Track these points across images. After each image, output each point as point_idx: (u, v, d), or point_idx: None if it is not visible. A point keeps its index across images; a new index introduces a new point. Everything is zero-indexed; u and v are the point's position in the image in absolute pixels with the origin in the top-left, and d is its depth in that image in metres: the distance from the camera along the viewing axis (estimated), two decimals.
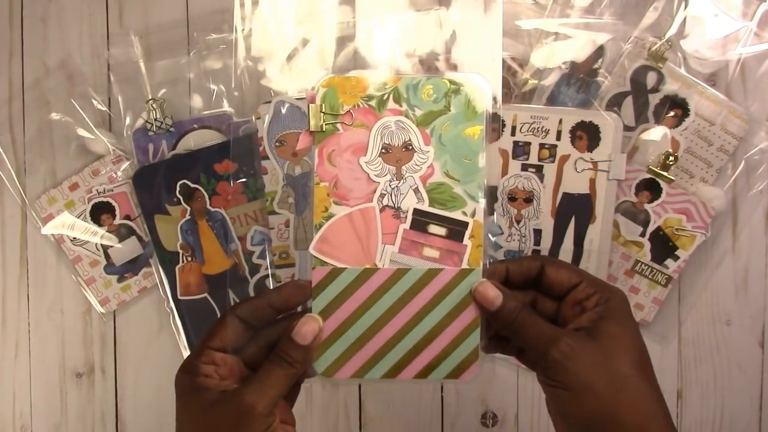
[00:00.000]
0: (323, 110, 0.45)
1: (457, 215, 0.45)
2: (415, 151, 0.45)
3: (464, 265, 0.45)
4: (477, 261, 0.45)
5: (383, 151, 0.45)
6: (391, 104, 0.45)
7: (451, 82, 0.46)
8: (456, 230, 0.45)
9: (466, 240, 0.45)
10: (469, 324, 0.44)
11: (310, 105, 0.45)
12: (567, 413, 0.40)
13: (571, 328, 0.41)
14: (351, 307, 0.44)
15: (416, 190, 0.45)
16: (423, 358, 0.45)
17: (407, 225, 0.45)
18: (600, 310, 0.41)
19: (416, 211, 0.45)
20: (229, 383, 0.41)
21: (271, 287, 0.59)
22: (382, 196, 0.45)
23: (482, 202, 0.45)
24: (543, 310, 0.44)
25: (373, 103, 0.45)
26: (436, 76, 0.46)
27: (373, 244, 0.45)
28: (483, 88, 0.45)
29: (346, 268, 0.45)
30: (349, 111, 0.45)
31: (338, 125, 0.45)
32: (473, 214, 0.45)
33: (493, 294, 0.42)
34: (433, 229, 0.45)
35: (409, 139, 0.45)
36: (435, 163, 0.45)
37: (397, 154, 0.45)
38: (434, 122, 0.45)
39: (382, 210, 0.45)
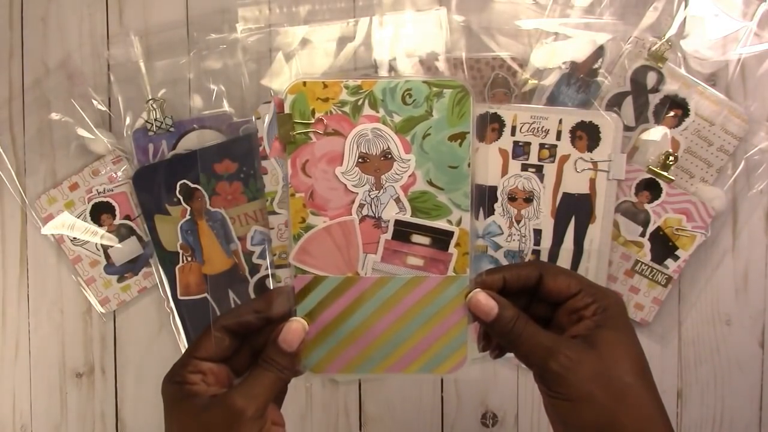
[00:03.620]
0: (293, 119, 0.43)
1: (441, 224, 0.43)
2: (395, 160, 0.43)
3: (450, 273, 0.43)
4: (464, 268, 0.43)
5: (360, 160, 0.43)
6: (366, 110, 0.43)
7: (433, 84, 0.43)
8: (440, 239, 0.43)
9: (451, 249, 0.43)
10: (454, 326, 0.44)
11: (279, 114, 0.43)
12: (568, 423, 0.40)
13: (568, 335, 0.41)
14: (335, 313, 0.44)
15: (397, 200, 0.43)
16: (409, 356, 0.44)
17: (389, 235, 0.43)
18: (598, 318, 0.41)
19: (398, 222, 0.43)
20: (216, 389, 0.41)
21: (272, 287, 0.59)
22: (361, 206, 0.43)
23: (469, 210, 0.43)
24: (537, 314, 0.43)
25: (347, 109, 0.43)
26: (416, 78, 0.43)
27: (354, 254, 0.44)
28: (468, 91, 0.43)
29: (327, 276, 0.44)
30: (320, 119, 0.43)
31: (310, 134, 0.43)
32: (459, 223, 0.43)
33: (488, 304, 0.42)
34: (417, 238, 0.44)
35: (388, 148, 0.43)
36: (417, 171, 0.43)
37: (376, 164, 0.43)
38: (415, 129, 0.43)
39: (362, 220, 0.43)
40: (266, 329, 0.43)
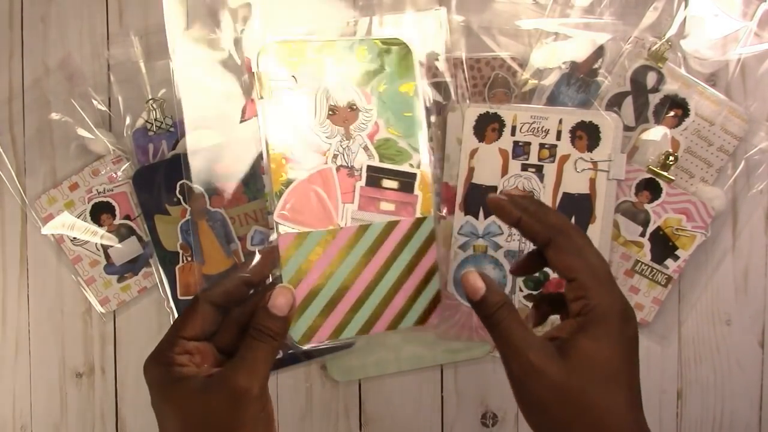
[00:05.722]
0: (266, 77, 0.47)
1: (405, 168, 0.48)
2: (360, 111, 0.48)
3: (417, 214, 0.48)
4: (428, 209, 0.48)
5: (330, 113, 0.48)
6: (330, 67, 0.48)
7: (383, 42, 0.48)
8: (406, 182, 0.48)
9: (416, 190, 0.48)
10: (428, 270, 0.47)
11: (251, 73, 0.47)
12: (526, 419, 0.40)
13: (550, 334, 0.40)
14: (320, 270, 0.46)
15: (365, 148, 0.48)
16: (391, 309, 0.47)
17: (363, 182, 0.48)
18: (581, 320, 0.39)
19: (369, 168, 0.48)
20: (207, 370, 0.40)
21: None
22: (335, 156, 0.47)
23: (426, 153, 0.48)
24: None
25: (314, 66, 0.48)
26: (369, 38, 0.49)
27: (334, 205, 0.47)
28: (412, 46, 0.49)
29: (311, 231, 0.46)
30: (291, 76, 0.47)
31: (283, 91, 0.47)
32: (419, 165, 0.48)
33: (476, 284, 0.41)
34: (387, 183, 0.48)
35: (353, 99, 0.48)
36: (379, 120, 0.48)
37: (344, 115, 0.48)
38: (372, 81, 0.48)
39: (337, 170, 0.47)
40: (250, 300, 0.43)
